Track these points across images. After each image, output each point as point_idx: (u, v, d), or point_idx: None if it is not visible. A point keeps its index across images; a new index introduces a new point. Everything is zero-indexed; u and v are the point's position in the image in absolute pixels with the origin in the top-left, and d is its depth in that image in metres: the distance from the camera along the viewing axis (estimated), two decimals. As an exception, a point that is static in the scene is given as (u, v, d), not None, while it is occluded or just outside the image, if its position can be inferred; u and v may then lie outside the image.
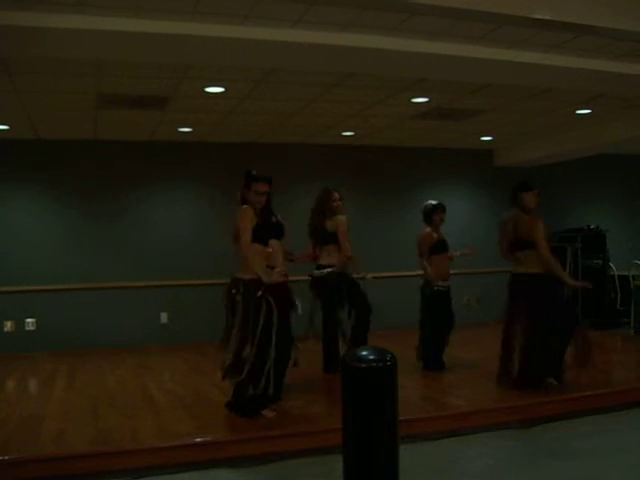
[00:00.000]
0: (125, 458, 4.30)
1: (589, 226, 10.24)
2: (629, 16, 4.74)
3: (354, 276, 6.41)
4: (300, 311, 5.36)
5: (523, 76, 5.85)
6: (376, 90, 6.68)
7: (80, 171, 8.72)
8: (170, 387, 6.44)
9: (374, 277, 6.50)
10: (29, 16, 4.22)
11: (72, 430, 4.82)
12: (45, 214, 8.65)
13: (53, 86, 6.13)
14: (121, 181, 8.90)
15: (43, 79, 5.91)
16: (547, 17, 4.53)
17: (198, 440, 4.55)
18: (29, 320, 8.46)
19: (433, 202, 6.74)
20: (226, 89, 6.44)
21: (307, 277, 6.46)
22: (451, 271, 6.83)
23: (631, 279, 9.58)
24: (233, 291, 5.04)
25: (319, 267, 6.36)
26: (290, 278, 5.27)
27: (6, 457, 4.20)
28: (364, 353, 3.12)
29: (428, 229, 6.68)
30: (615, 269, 10.17)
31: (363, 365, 3.04)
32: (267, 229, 5.16)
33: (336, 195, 6.46)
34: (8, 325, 8.40)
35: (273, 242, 5.13)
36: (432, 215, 6.68)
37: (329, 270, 6.29)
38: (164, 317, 8.99)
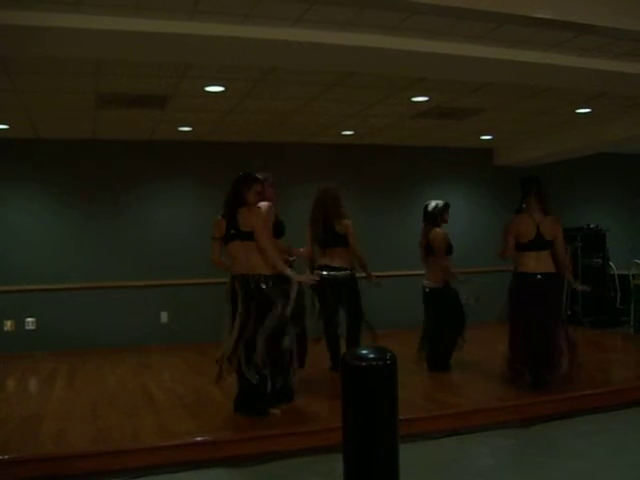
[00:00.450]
0: (125, 457, 4.29)
1: (589, 225, 10.25)
2: (629, 15, 4.74)
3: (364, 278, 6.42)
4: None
5: (523, 75, 5.85)
6: (376, 89, 6.68)
7: (80, 170, 8.72)
8: (170, 386, 6.44)
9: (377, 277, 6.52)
10: (28, 15, 4.22)
11: (72, 429, 4.82)
12: (45, 213, 8.65)
13: (52, 85, 6.13)
14: (121, 180, 8.89)
15: (42, 78, 5.91)
16: (547, 16, 4.53)
17: (198, 439, 4.54)
18: (29, 319, 8.46)
19: (439, 202, 6.69)
20: (226, 88, 6.44)
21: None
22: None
23: (631, 278, 9.59)
24: (252, 287, 5.02)
25: (329, 268, 6.26)
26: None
27: (6, 456, 4.19)
28: (364, 352, 3.13)
29: (439, 229, 6.62)
30: (615, 268, 10.18)
31: (363, 364, 3.04)
32: (275, 227, 5.41)
33: None
34: (8, 324, 8.40)
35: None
36: (443, 214, 6.65)
37: (346, 272, 6.26)
38: (164, 316, 8.99)
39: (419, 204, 8.92)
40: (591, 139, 9.01)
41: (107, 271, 8.75)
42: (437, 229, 6.60)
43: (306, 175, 9.00)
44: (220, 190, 5.35)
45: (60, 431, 4.77)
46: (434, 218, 6.63)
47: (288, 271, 5.14)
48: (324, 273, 6.19)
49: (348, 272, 6.26)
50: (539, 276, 5.72)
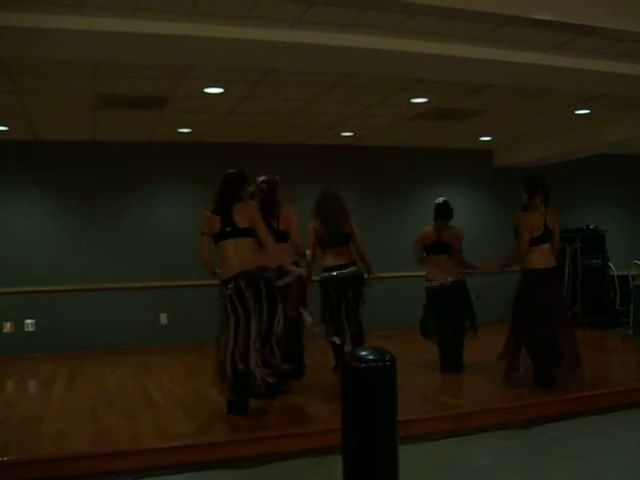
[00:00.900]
0: (124, 459, 4.29)
1: (588, 226, 10.25)
2: (628, 16, 4.74)
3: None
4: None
5: (523, 76, 5.85)
6: (375, 91, 6.68)
7: (79, 172, 8.72)
8: (169, 388, 6.43)
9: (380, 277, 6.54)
10: (27, 17, 4.22)
11: (71, 431, 4.82)
12: (44, 215, 8.65)
13: (52, 87, 6.13)
14: (120, 182, 8.90)
15: (42, 80, 5.91)
16: (547, 18, 4.54)
17: (197, 441, 4.54)
18: (28, 321, 8.46)
19: (445, 199, 6.77)
20: (225, 90, 6.44)
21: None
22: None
23: (630, 279, 9.59)
24: (261, 282, 5.06)
25: (338, 268, 6.27)
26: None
27: (5, 458, 4.19)
28: (363, 353, 3.12)
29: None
30: (614, 269, 10.19)
31: (362, 365, 3.04)
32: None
33: None
34: (7, 326, 8.39)
35: None
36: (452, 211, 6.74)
37: (354, 269, 6.28)
38: (163, 318, 8.99)
39: (419, 205, 8.94)
40: (590, 140, 9.02)
41: (106, 273, 8.75)
42: (456, 225, 6.70)
43: (306, 176, 9.00)
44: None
45: (59, 433, 4.77)
46: (450, 214, 6.69)
47: (289, 265, 5.22)
48: (334, 273, 6.20)
49: (356, 268, 6.28)
50: (547, 272, 5.85)
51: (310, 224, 6.31)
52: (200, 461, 4.33)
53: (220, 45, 4.81)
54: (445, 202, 6.74)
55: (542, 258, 5.83)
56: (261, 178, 5.93)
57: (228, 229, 5.07)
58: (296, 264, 5.86)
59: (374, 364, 3.03)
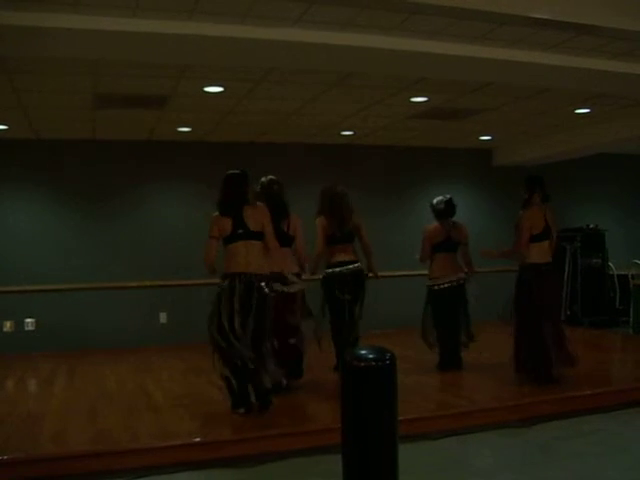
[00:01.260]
0: (124, 458, 4.29)
1: (588, 225, 10.26)
2: (628, 15, 4.74)
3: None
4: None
5: (522, 75, 5.85)
6: (375, 90, 6.68)
7: (79, 170, 8.72)
8: (169, 387, 6.44)
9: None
10: (26, 16, 4.22)
11: (71, 430, 4.82)
12: (44, 214, 8.65)
13: (51, 85, 6.12)
14: (120, 180, 8.89)
15: (41, 79, 5.91)
16: (546, 16, 4.54)
17: (197, 440, 4.54)
18: (28, 320, 8.46)
19: (450, 196, 6.79)
20: (225, 88, 6.43)
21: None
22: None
23: (630, 278, 9.59)
24: (255, 286, 5.06)
25: (346, 263, 6.25)
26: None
27: (5, 457, 4.19)
28: (363, 352, 3.13)
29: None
30: (614, 268, 10.19)
31: (362, 364, 3.04)
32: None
33: None
34: (7, 325, 8.39)
35: None
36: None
37: (360, 265, 6.28)
38: (163, 317, 9.00)
39: (418, 204, 8.94)
40: (590, 139, 9.02)
41: (106, 272, 8.75)
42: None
43: (305, 175, 9.00)
44: (220, 187, 5.34)
45: (59, 431, 4.77)
46: (455, 210, 6.72)
47: (290, 275, 5.26)
48: (344, 269, 6.20)
49: (359, 265, 6.29)
50: (546, 266, 5.95)
51: (317, 220, 6.29)
52: (200, 460, 4.33)
53: (220, 44, 4.81)
54: (450, 199, 6.74)
55: (540, 254, 5.95)
56: (269, 177, 5.92)
57: (240, 231, 5.07)
58: (298, 275, 5.89)
59: (374, 363, 3.03)
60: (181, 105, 7.06)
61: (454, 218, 6.74)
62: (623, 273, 9.96)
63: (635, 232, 11.24)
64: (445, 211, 6.69)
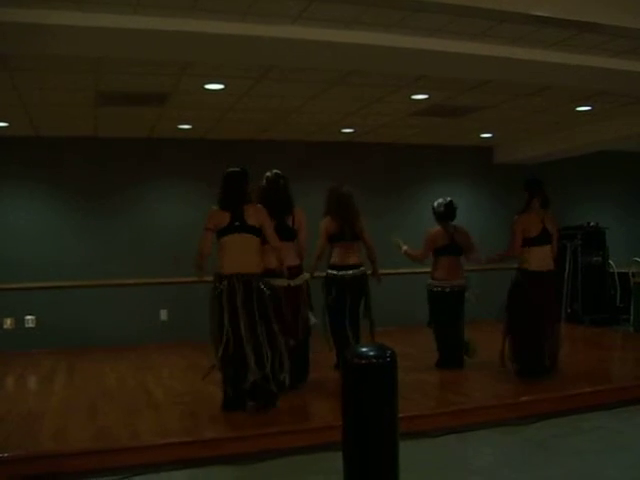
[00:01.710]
0: (124, 455, 4.29)
1: (589, 223, 10.26)
2: (630, 13, 4.73)
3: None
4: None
5: (523, 73, 5.84)
6: (376, 87, 6.67)
7: (80, 168, 8.71)
8: (169, 384, 6.44)
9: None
10: (28, 13, 4.22)
11: (71, 427, 4.82)
12: (45, 211, 8.65)
13: (52, 83, 6.12)
14: (121, 178, 8.89)
15: (42, 76, 5.90)
16: (547, 14, 4.53)
17: (197, 437, 4.54)
18: (29, 317, 8.46)
19: (450, 198, 6.76)
20: (226, 86, 6.43)
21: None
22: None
23: (631, 276, 9.59)
24: (254, 286, 5.07)
25: (350, 267, 6.24)
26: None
27: (5, 454, 4.19)
28: (364, 350, 3.13)
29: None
30: (615, 266, 10.19)
31: (363, 362, 3.04)
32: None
33: None
34: (8, 322, 8.40)
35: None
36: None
37: (363, 269, 6.29)
38: (164, 314, 9.00)
39: (418, 202, 8.94)
40: (591, 137, 9.00)
41: (107, 269, 8.74)
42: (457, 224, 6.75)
43: (306, 173, 9.00)
44: (220, 184, 5.34)
45: (59, 429, 4.77)
46: (455, 213, 6.71)
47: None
48: (345, 273, 6.21)
49: (361, 270, 6.30)
50: (544, 273, 5.97)
51: (322, 222, 6.30)
52: (200, 457, 4.33)
53: (220, 41, 4.80)
54: (451, 202, 6.71)
55: (539, 260, 5.97)
56: (274, 172, 5.91)
57: (237, 223, 5.09)
58: (299, 268, 5.89)
59: (375, 361, 3.04)
60: (182, 102, 7.05)
61: (455, 222, 6.72)
62: (624, 271, 9.96)
63: (636, 230, 11.24)
64: (445, 214, 6.67)
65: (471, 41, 5.13)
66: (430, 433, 4.78)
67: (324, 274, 6.34)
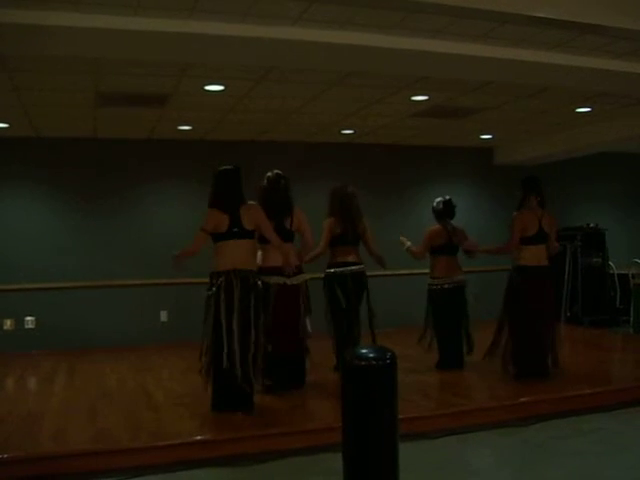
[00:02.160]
0: (124, 456, 4.29)
1: (589, 224, 10.26)
2: (630, 15, 4.73)
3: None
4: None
5: (524, 74, 5.84)
6: (376, 88, 6.67)
7: (80, 169, 8.71)
8: (169, 385, 6.44)
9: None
10: (28, 14, 4.22)
11: (71, 428, 4.82)
12: (45, 212, 8.64)
13: (52, 84, 6.12)
14: (120, 179, 8.89)
15: (42, 77, 5.90)
16: (548, 15, 4.53)
17: (197, 438, 4.54)
18: (29, 318, 8.46)
19: (449, 197, 6.78)
20: (226, 87, 6.43)
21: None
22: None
23: (630, 277, 9.59)
24: (251, 282, 5.09)
25: (343, 265, 6.27)
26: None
27: (5, 455, 4.19)
28: (364, 351, 3.13)
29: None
30: (614, 268, 10.19)
31: (363, 363, 3.04)
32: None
33: None
34: (8, 323, 8.39)
35: None
36: None
37: (363, 266, 6.33)
38: (164, 315, 8.99)
39: (419, 203, 8.93)
40: (591, 138, 9.01)
41: (107, 270, 8.74)
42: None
43: (306, 174, 8.99)
44: (211, 183, 5.33)
45: (59, 430, 4.77)
46: (454, 211, 6.73)
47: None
48: (345, 269, 6.24)
49: (362, 267, 6.34)
50: (540, 269, 6.01)
51: (325, 222, 6.33)
52: (200, 458, 4.33)
53: (220, 42, 4.81)
54: (450, 200, 6.74)
55: (534, 256, 6.01)
56: (275, 172, 5.90)
57: (235, 229, 5.08)
58: (299, 268, 5.88)
59: (375, 362, 3.04)
60: (182, 104, 7.05)
61: (455, 223, 6.72)
62: (623, 272, 9.96)
63: (636, 231, 11.24)
64: (444, 211, 6.67)
65: (472, 42, 5.13)
66: (430, 435, 4.78)
67: (322, 275, 6.36)
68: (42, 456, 4.23)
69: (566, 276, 9.90)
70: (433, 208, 6.78)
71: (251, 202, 5.33)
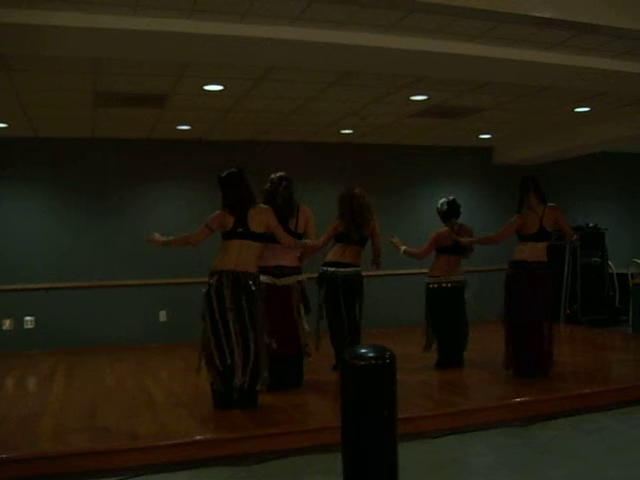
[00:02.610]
0: (123, 456, 4.28)
1: (588, 224, 10.26)
2: (629, 14, 4.74)
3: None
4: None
5: (522, 74, 5.85)
6: (375, 88, 6.67)
7: (79, 169, 8.71)
8: (168, 385, 6.44)
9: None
10: (27, 14, 4.22)
11: (70, 428, 4.81)
12: (44, 212, 8.64)
13: (51, 84, 6.12)
14: (120, 179, 8.89)
15: (41, 77, 5.90)
16: (547, 15, 4.54)
17: (197, 438, 4.54)
18: (28, 318, 8.46)
19: (453, 197, 6.77)
20: (225, 87, 6.43)
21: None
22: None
23: (630, 277, 9.59)
24: (242, 284, 5.09)
25: (337, 265, 6.28)
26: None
27: (4, 455, 4.19)
28: (363, 350, 3.13)
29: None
30: (614, 267, 10.19)
31: (362, 362, 3.04)
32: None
33: None
34: (7, 323, 8.39)
35: None
36: None
37: (358, 268, 6.34)
38: (163, 315, 8.99)
39: (418, 202, 8.93)
40: (590, 138, 9.01)
41: (106, 269, 8.75)
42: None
43: (305, 174, 8.98)
44: (219, 189, 5.33)
45: (58, 430, 4.76)
46: (458, 211, 6.73)
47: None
48: (337, 270, 6.25)
49: (357, 269, 6.34)
50: (536, 265, 6.00)
51: (331, 224, 6.37)
52: (199, 458, 4.33)
53: (219, 42, 4.81)
54: (454, 200, 6.72)
55: (530, 252, 6.02)
56: (278, 174, 5.89)
57: (239, 230, 5.11)
58: (298, 268, 5.90)
59: (374, 361, 3.04)
60: (181, 104, 7.05)
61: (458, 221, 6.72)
62: (623, 272, 9.96)
63: (635, 231, 11.25)
64: (449, 212, 6.66)
65: (471, 42, 5.14)
66: (429, 434, 4.78)
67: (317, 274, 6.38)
68: (41, 456, 4.22)
69: (565, 275, 9.90)
70: (437, 210, 6.75)
71: (263, 205, 5.36)
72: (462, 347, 6.65)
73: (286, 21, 4.64)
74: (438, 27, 4.83)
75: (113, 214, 8.87)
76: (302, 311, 5.90)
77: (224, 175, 5.24)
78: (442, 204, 6.71)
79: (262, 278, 5.46)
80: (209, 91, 6.54)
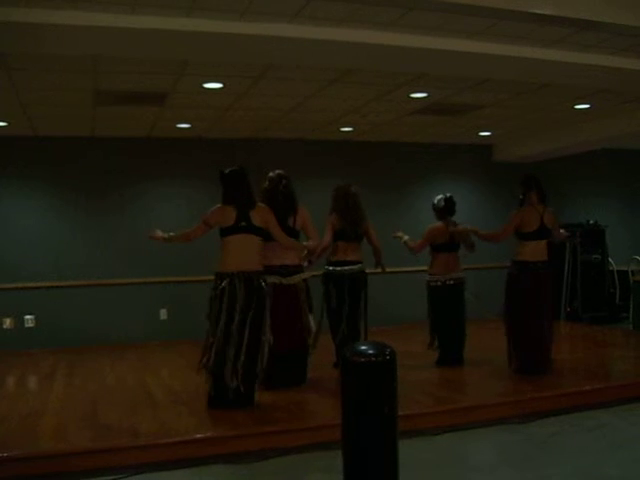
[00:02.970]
0: (124, 454, 4.29)
1: (588, 221, 10.26)
2: (629, 11, 4.73)
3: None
4: None
5: (522, 71, 5.84)
6: (374, 86, 6.67)
7: (78, 167, 8.71)
8: (169, 383, 6.44)
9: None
10: (26, 12, 4.22)
11: (71, 426, 4.82)
12: (44, 211, 8.64)
13: (51, 82, 6.11)
14: (120, 177, 8.89)
15: (40, 75, 5.89)
16: (547, 12, 4.54)
17: (197, 436, 4.55)
18: (28, 317, 8.46)
19: (450, 194, 6.77)
20: (224, 85, 6.42)
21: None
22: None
23: (630, 274, 9.60)
24: (255, 285, 5.10)
25: (342, 264, 6.30)
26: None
27: (5, 454, 4.19)
28: (363, 347, 3.13)
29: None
30: (614, 264, 10.19)
31: (362, 359, 3.04)
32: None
33: None
34: (7, 322, 8.39)
35: None
36: None
37: (362, 265, 6.36)
38: (163, 313, 9.00)
39: (417, 200, 8.92)
40: (590, 135, 9.00)
41: (106, 268, 8.74)
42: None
43: (305, 171, 8.99)
44: (219, 187, 5.33)
45: (59, 428, 4.77)
46: (454, 209, 6.72)
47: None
48: (343, 269, 6.26)
49: (361, 266, 6.35)
50: (538, 264, 6.03)
51: (328, 218, 6.37)
52: (200, 456, 4.34)
53: (218, 40, 4.80)
54: (451, 197, 6.72)
55: (532, 252, 6.04)
56: (277, 172, 5.90)
57: (243, 224, 5.11)
58: (299, 267, 5.91)
59: (374, 358, 3.04)
60: (180, 102, 7.04)
61: (455, 219, 6.71)
62: (623, 269, 9.96)
63: (635, 228, 11.24)
64: (445, 209, 6.66)
65: (471, 39, 5.13)
66: (430, 431, 4.78)
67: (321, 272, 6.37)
68: (42, 454, 4.23)
69: (566, 273, 9.90)
70: (433, 206, 6.75)
71: (262, 204, 5.37)
72: (463, 345, 6.65)
73: (285, 18, 4.63)
74: (438, 24, 4.82)
75: (113, 213, 8.87)
76: (307, 309, 5.92)
77: (227, 172, 5.23)
78: (439, 200, 6.71)
79: (270, 278, 5.46)
80: (209, 89, 6.53)
